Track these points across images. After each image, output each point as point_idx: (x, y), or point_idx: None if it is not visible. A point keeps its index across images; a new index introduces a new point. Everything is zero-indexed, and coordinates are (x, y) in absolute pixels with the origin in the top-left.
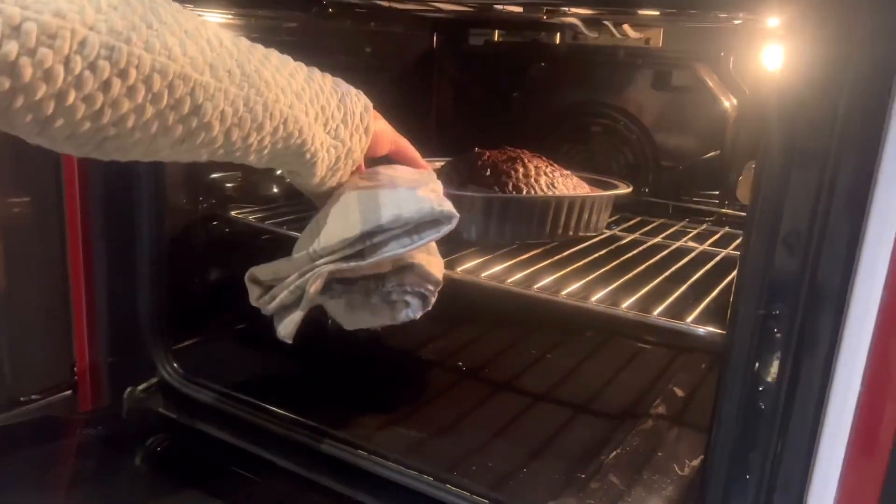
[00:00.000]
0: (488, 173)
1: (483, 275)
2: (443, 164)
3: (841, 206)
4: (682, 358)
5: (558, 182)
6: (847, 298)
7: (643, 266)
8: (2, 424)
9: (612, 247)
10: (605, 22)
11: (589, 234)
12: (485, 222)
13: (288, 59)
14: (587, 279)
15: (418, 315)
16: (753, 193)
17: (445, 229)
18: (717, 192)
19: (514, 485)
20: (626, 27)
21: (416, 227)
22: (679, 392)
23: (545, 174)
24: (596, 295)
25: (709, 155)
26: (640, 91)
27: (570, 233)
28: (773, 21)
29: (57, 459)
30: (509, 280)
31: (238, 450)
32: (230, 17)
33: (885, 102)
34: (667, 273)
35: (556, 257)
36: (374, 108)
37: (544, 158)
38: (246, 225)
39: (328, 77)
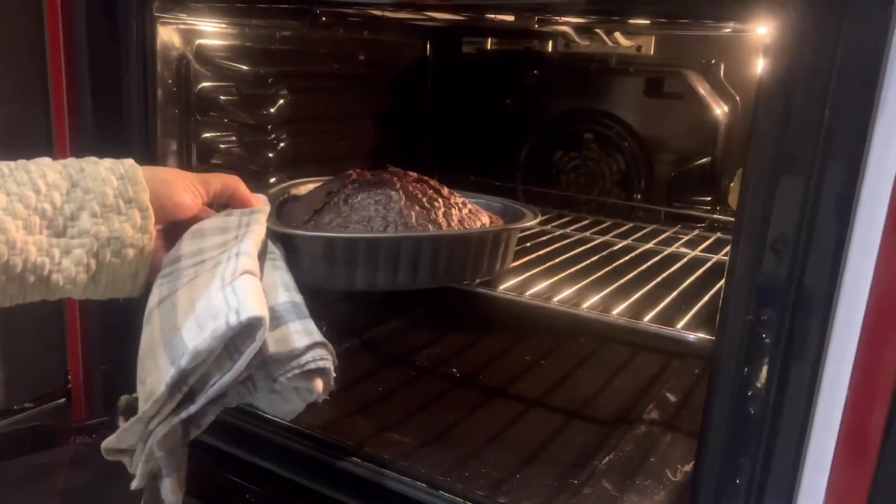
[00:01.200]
0: (341, 203)
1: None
2: (317, 185)
3: (827, 212)
4: (675, 363)
5: (438, 215)
6: (834, 303)
7: (635, 272)
8: None
9: (605, 253)
10: (597, 30)
11: (466, 281)
12: (327, 267)
13: None
14: (579, 285)
15: (323, 392)
16: (740, 199)
17: (261, 333)
18: (709, 198)
19: (508, 491)
20: (617, 35)
21: (228, 346)
22: (672, 398)
23: (419, 206)
24: (588, 301)
25: (700, 161)
26: (631, 98)
27: (434, 278)
28: (762, 29)
29: (50, 468)
30: (501, 287)
31: (231, 457)
32: (224, 26)
33: (869, 109)
34: (658, 279)
35: (548, 264)
36: (367, 114)
37: (431, 184)
38: None
39: (55, 166)
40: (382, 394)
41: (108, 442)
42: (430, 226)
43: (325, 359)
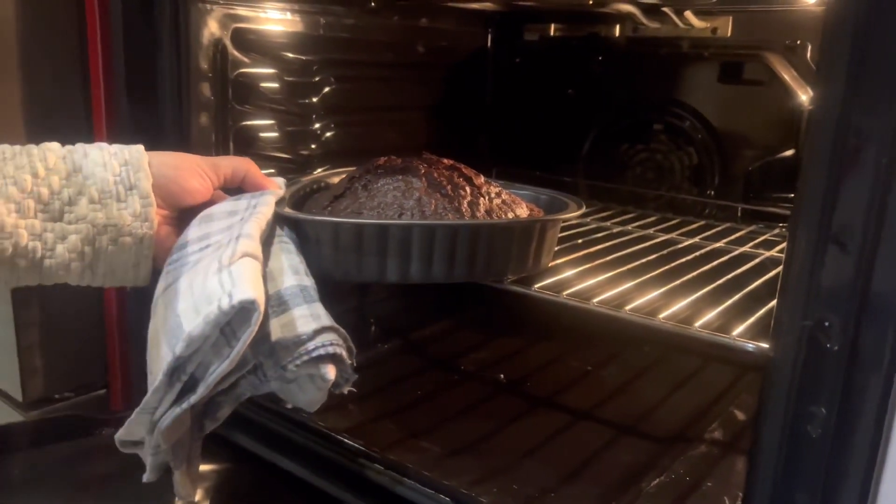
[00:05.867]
0: (359, 189)
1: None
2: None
3: None
4: (749, 377)
5: (462, 204)
6: None
7: (696, 272)
8: (34, 420)
9: (665, 252)
10: (665, 9)
11: (491, 278)
12: (334, 254)
13: None
14: (628, 285)
15: (340, 380)
16: (799, 181)
17: (255, 317)
18: (792, 195)
19: None
20: (688, 14)
21: (225, 331)
22: (740, 415)
23: (441, 193)
24: (633, 302)
25: (783, 154)
26: (706, 85)
27: (451, 272)
28: None
29: (87, 457)
30: (537, 285)
31: (257, 456)
32: (263, 10)
33: None
34: (721, 280)
35: (596, 262)
36: (420, 105)
37: (464, 172)
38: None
39: (59, 150)
40: (420, 398)
41: (120, 434)
42: (450, 215)
43: (334, 344)
